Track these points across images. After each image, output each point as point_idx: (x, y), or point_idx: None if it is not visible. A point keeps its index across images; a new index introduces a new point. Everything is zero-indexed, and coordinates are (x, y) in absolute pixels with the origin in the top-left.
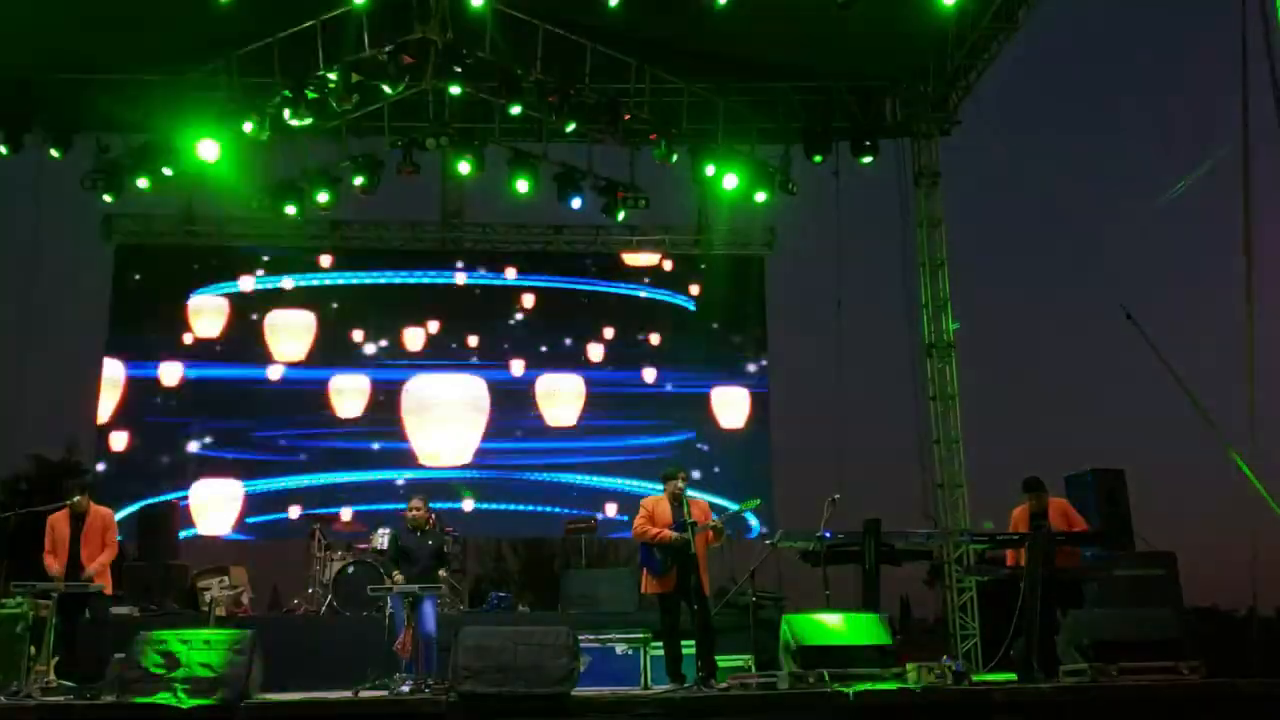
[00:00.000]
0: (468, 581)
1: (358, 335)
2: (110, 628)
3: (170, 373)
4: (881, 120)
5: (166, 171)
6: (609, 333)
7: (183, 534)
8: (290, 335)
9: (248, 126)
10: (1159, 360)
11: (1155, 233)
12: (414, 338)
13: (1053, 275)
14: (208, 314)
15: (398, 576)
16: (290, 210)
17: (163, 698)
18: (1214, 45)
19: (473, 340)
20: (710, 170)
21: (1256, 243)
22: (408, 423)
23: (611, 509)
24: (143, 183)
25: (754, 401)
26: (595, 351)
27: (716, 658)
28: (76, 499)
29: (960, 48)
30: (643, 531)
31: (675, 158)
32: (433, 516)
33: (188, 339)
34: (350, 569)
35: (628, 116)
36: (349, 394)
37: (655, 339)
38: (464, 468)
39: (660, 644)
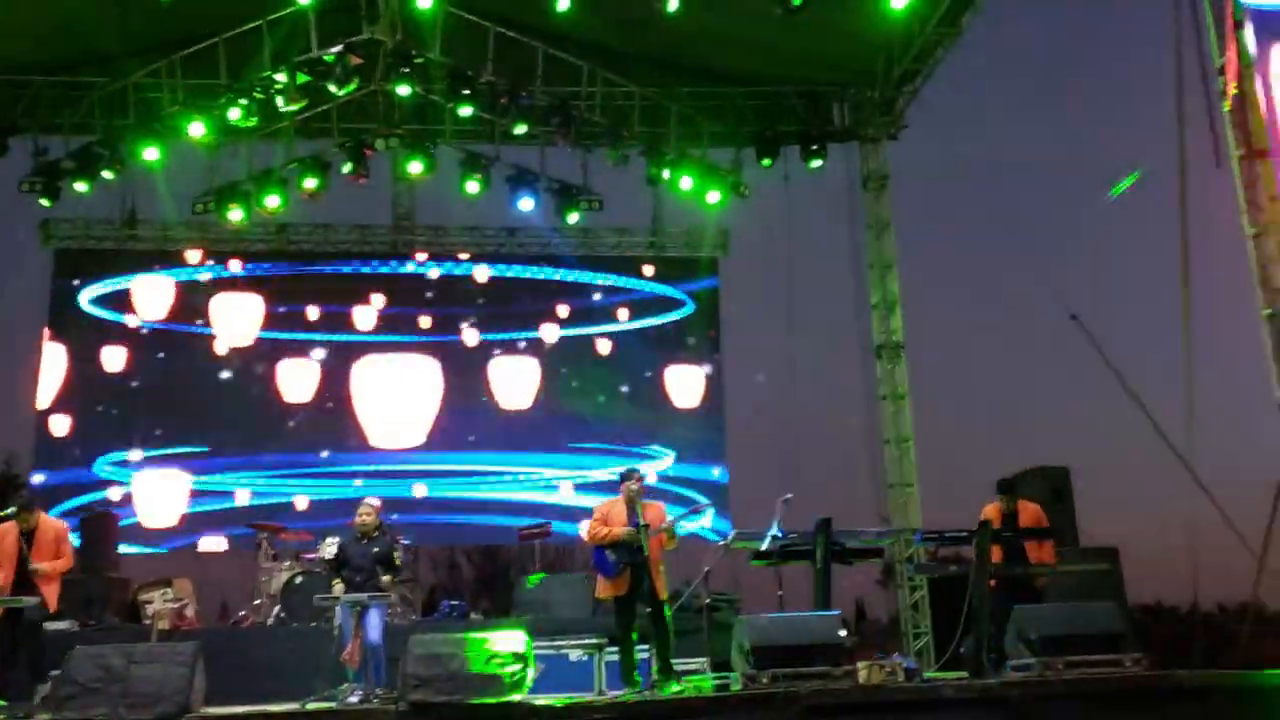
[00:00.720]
0: (420, 591)
1: (307, 317)
2: (43, 644)
3: (113, 358)
4: (829, 124)
5: (107, 175)
6: (563, 311)
7: (123, 538)
8: (237, 318)
9: (196, 128)
10: (1104, 362)
11: (1101, 232)
12: (364, 316)
13: (1001, 275)
14: (152, 296)
15: (337, 585)
16: (236, 215)
17: (100, 715)
18: (1156, 51)
19: (424, 321)
20: (664, 174)
21: (1193, 250)
22: (358, 405)
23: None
24: (81, 186)
25: (709, 386)
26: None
27: (672, 660)
28: (23, 514)
29: (906, 53)
30: (594, 533)
31: (628, 161)
32: (384, 525)
33: (132, 321)
34: (298, 579)
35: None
36: (298, 377)
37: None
38: (419, 450)
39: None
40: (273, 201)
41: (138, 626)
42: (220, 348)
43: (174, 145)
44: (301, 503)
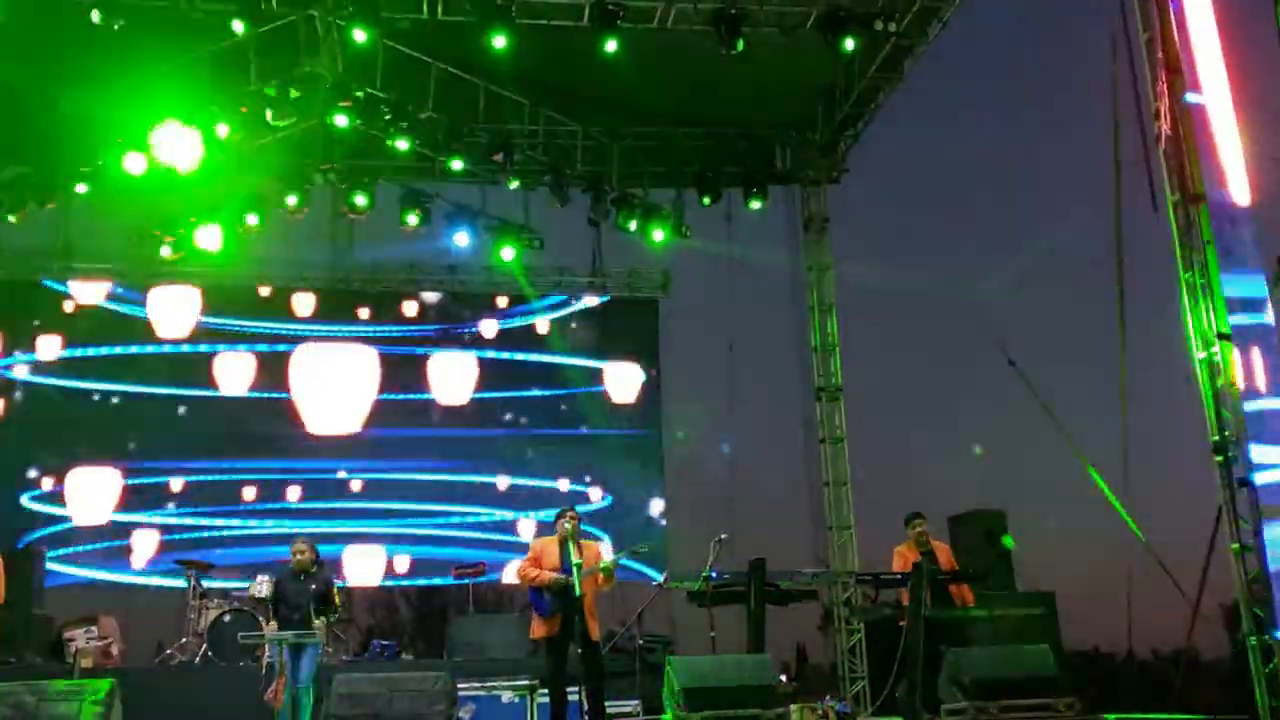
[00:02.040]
0: (355, 632)
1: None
2: None
3: (48, 347)
4: (771, 167)
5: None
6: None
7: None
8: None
9: (136, 163)
10: (1041, 408)
11: (1036, 279)
12: (303, 303)
13: (938, 319)
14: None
15: (271, 625)
16: (166, 252)
17: None
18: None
19: (363, 311)
20: (606, 214)
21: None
22: (295, 392)
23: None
24: (12, 219)
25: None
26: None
27: (604, 703)
28: None
29: (847, 98)
30: (524, 575)
31: (568, 199)
32: (321, 562)
33: (68, 306)
34: (227, 617)
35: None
36: (234, 368)
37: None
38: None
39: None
40: (208, 241)
41: (62, 665)
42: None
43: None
44: (249, 492)
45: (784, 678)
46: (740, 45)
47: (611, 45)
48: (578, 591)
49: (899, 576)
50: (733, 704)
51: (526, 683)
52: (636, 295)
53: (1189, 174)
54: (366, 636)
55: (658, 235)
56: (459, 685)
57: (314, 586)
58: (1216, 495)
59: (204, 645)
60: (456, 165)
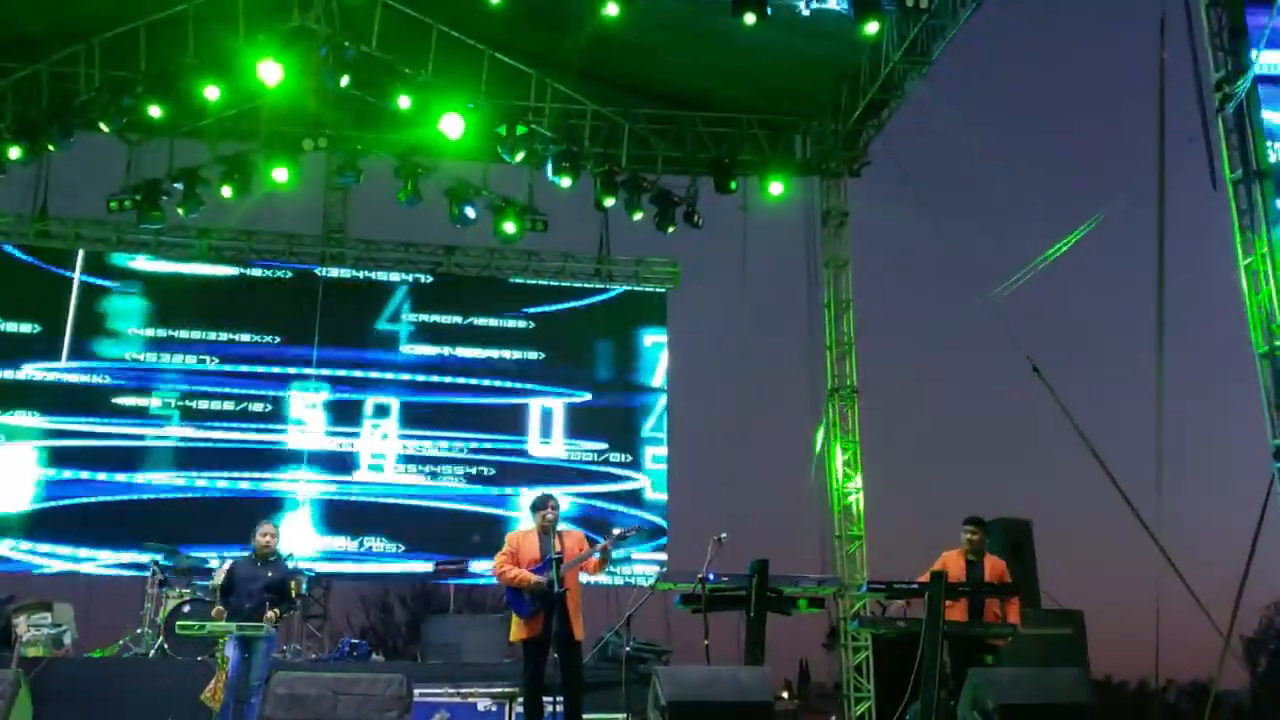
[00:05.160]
0: (331, 628)
1: None
2: None
3: None
4: (791, 156)
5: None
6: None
7: None
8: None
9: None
10: (1064, 414)
11: (1064, 281)
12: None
13: (961, 319)
14: None
15: (217, 610)
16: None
17: None
18: (1145, 69)
19: None
20: (616, 199)
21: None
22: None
23: None
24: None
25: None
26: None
27: (588, 716)
28: None
29: (873, 82)
30: (501, 572)
31: (575, 180)
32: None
33: None
34: (186, 607)
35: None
36: None
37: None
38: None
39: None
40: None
41: (6, 652)
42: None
43: (89, 138)
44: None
45: (784, 694)
46: (752, 15)
47: (612, 9)
48: (557, 588)
49: (915, 586)
50: None
51: (505, 690)
52: (644, 287)
53: (1253, 148)
54: (360, 636)
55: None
56: (432, 690)
57: (271, 575)
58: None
59: (160, 638)
60: (456, 127)
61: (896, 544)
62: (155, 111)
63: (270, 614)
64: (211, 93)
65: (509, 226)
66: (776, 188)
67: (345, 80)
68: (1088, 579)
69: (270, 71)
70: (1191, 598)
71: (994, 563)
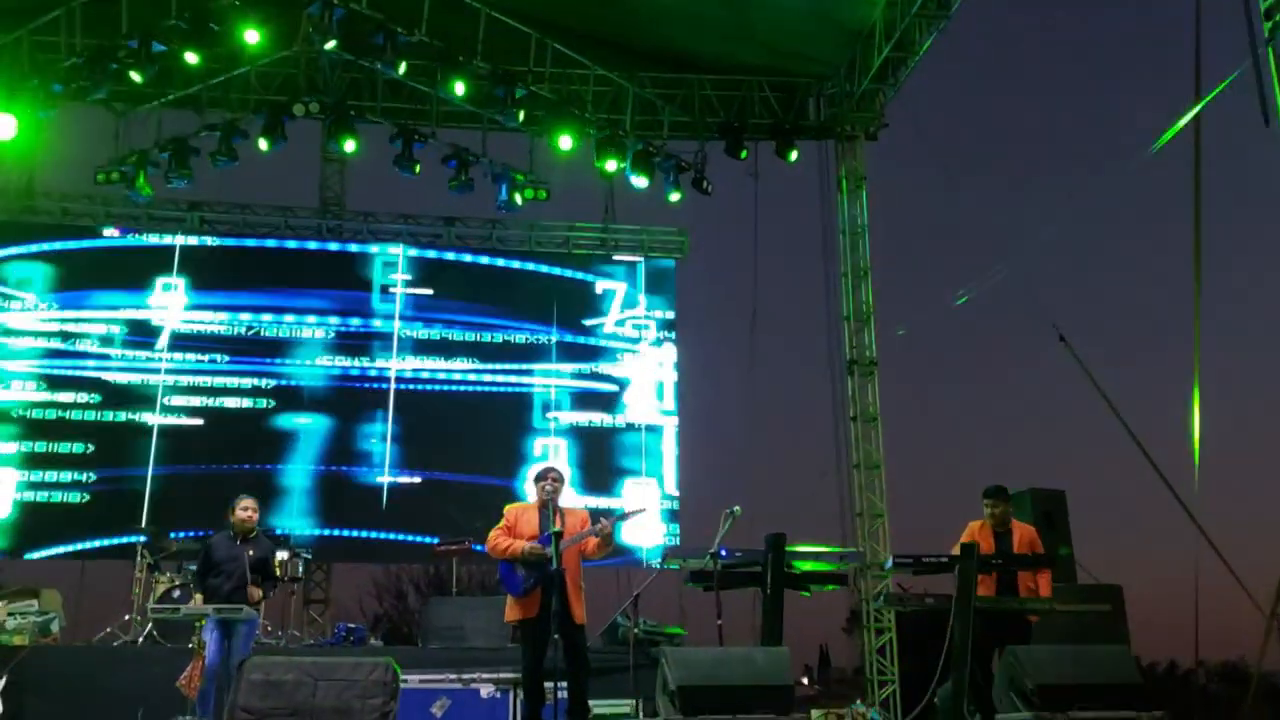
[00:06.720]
0: (331, 610)
1: None
2: None
3: None
4: (804, 119)
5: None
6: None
7: None
8: None
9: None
10: (1092, 385)
11: (1096, 247)
12: None
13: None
14: None
15: (196, 598)
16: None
17: None
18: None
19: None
20: (616, 165)
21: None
22: None
23: None
24: None
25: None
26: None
27: (593, 702)
28: None
29: (887, 40)
30: (495, 545)
31: (577, 146)
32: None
33: None
34: (176, 593)
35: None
36: None
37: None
38: None
39: None
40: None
41: None
42: None
43: (75, 108)
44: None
45: (804, 680)
46: None
47: None
48: (555, 564)
49: (944, 559)
50: (739, 707)
51: (510, 676)
52: (651, 256)
53: None
54: (373, 623)
55: (675, 194)
56: (432, 677)
57: (252, 553)
58: None
59: (149, 625)
60: (458, 88)
61: (920, 522)
62: (137, 77)
63: (254, 592)
64: (191, 58)
65: (517, 199)
66: (793, 157)
67: (331, 44)
68: (1116, 554)
69: (252, 32)
70: (1229, 575)
71: (1024, 530)
